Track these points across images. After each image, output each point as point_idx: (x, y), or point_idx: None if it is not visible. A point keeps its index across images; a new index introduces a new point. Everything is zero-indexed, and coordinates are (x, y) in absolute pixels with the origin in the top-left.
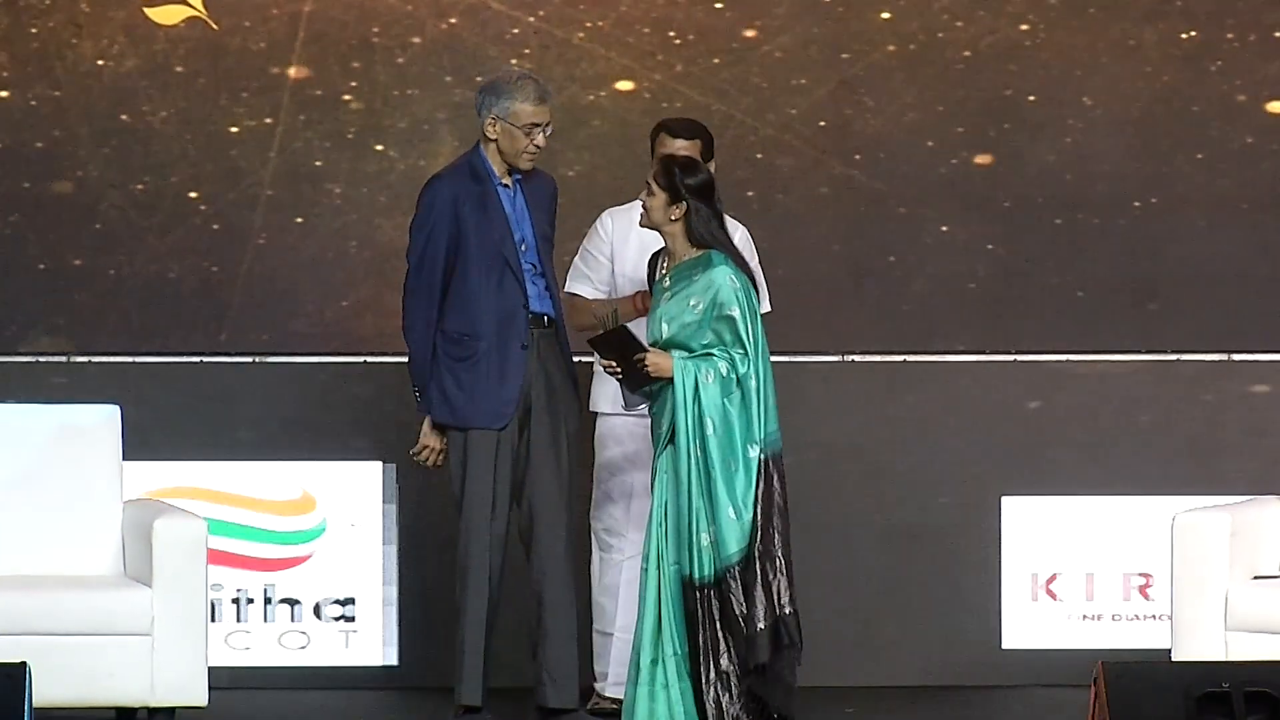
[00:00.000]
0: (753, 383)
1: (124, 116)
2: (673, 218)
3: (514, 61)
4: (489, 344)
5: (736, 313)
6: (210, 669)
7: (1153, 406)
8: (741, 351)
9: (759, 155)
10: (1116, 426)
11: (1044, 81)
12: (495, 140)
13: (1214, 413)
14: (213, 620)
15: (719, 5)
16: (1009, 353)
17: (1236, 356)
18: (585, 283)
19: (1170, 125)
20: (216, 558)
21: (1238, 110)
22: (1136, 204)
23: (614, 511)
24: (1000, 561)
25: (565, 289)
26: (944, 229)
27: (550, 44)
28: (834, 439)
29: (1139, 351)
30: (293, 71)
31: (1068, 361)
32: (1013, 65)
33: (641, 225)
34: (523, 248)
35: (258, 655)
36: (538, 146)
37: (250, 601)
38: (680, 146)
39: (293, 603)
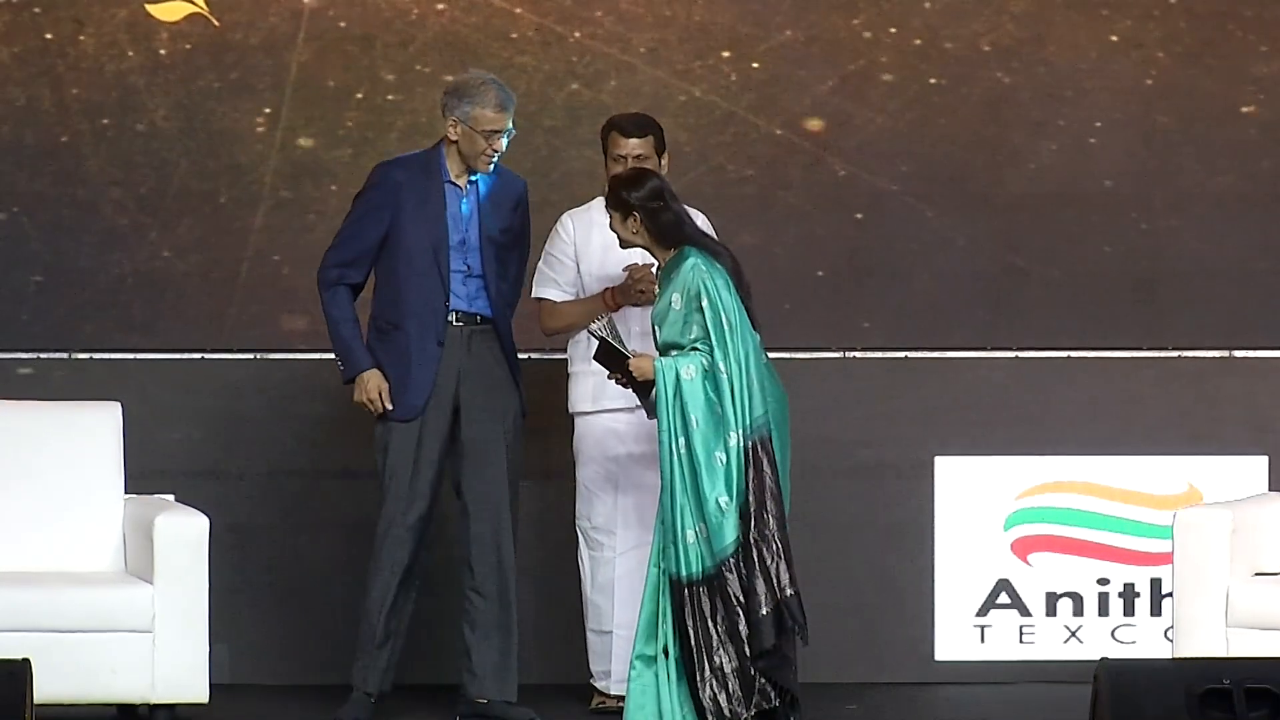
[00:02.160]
0: (722, 369)
1: (125, 113)
2: (633, 231)
3: (520, 59)
4: (408, 336)
5: (705, 302)
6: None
7: (1155, 403)
8: (716, 340)
9: (761, 152)
10: (1119, 423)
11: (1045, 78)
12: (456, 142)
13: (1216, 409)
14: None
15: (721, 2)
16: (1011, 349)
17: (1238, 353)
18: (552, 286)
19: (1171, 122)
20: (1096, 551)
21: (1239, 107)
22: (1138, 200)
23: (600, 509)
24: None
25: (533, 294)
26: (946, 225)
27: (551, 40)
28: (836, 435)
29: (1141, 348)
30: (294, 68)
31: (1069, 358)
32: (1014, 62)
33: (622, 247)
34: (463, 248)
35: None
36: (495, 151)
37: (1137, 595)
38: (632, 145)
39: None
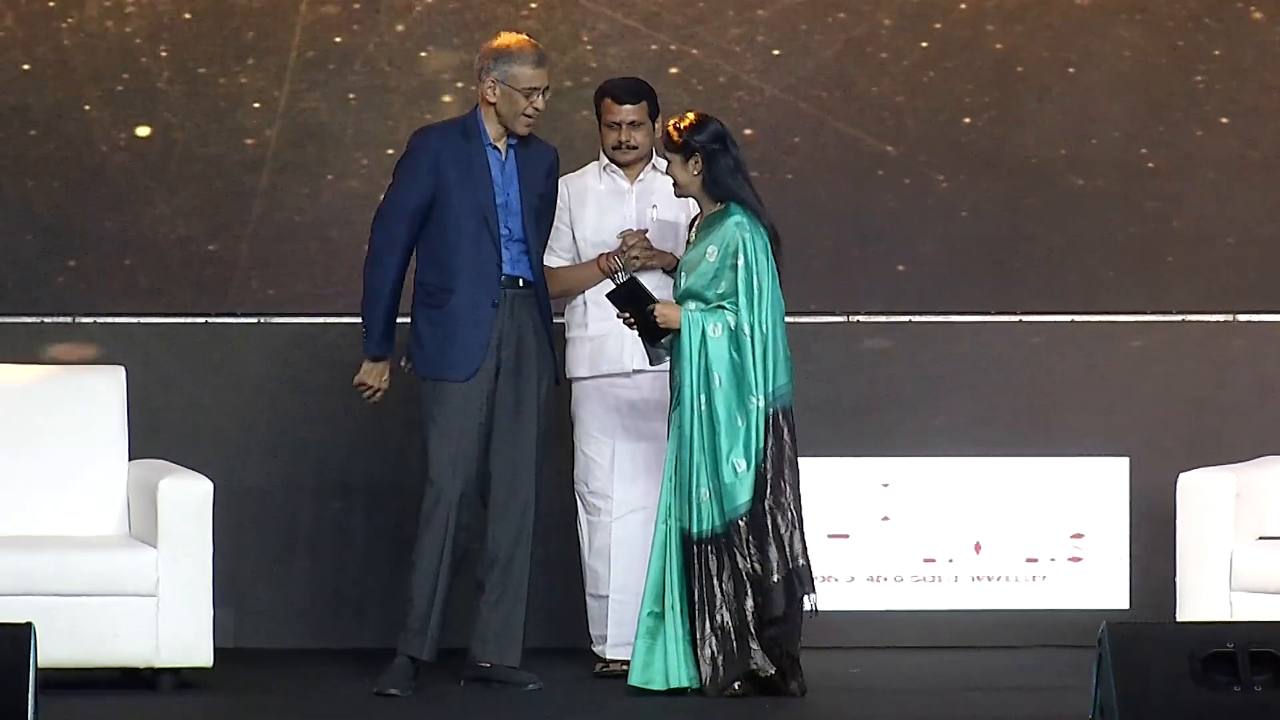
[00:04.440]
0: (746, 331)
1: (129, 76)
2: (694, 173)
3: (525, 23)
4: (460, 298)
5: (741, 261)
6: None
7: (1159, 367)
8: (745, 300)
9: (764, 116)
10: (1122, 387)
11: (1050, 42)
12: (494, 103)
13: (1219, 373)
14: None
15: None
16: (1015, 313)
17: (1242, 317)
18: (548, 252)
19: (1176, 85)
20: None
21: (1244, 71)
22: (1143, 164)
23: (597, 474)
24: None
25: None
26: (950, 190)
27: (556, 4)
28: (840, 399)
29: (1145, 312)
30: (298, 30)
31: (1073, 322)
32: (1019, 25)
33: (677, 195)
34: (505, 211)
35: None
36: (536, 110)
37: None
38: (626, 111)
39: None
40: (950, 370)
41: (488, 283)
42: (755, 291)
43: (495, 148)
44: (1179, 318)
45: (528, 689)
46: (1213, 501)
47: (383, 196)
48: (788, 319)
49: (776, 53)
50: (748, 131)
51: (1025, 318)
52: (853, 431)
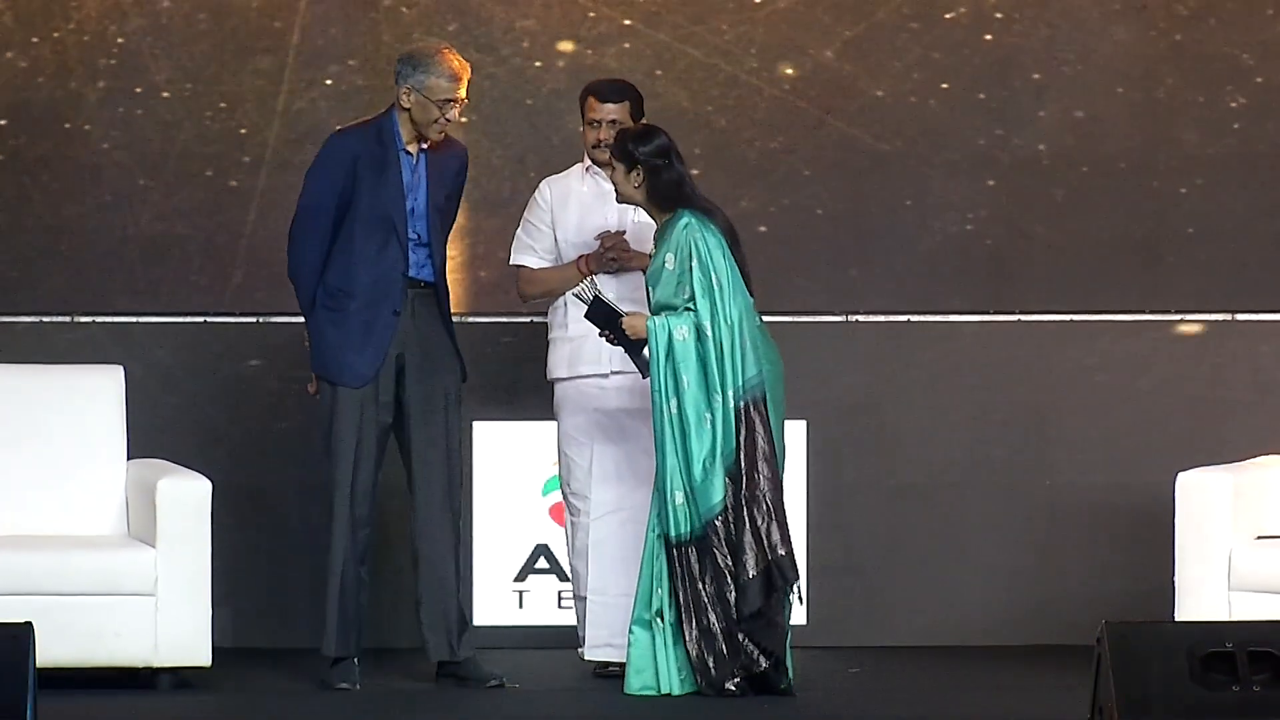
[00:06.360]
0: (708, 330)
1: (128, 76)
2: (635, 185)
3: (523, 22)
4: (361, 304)
5: (695, 263)
6: None
7: (1156, 366)
8: (704, 300)
9: (763, 115)
10: (1120, 386)
11: (1048, 41)
12: (409, 110)
13: (1218, 372)
14: None
15: None
16: (1013, 313)
17: (1240, 316)
18: (529, 253)
19: (1174, 84)
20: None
21: (1241, 69)
22: (1140, 164)
23: (578, 475)
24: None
25: (511, 261)
26: (948, 189)
27: (554, 3)
28: (839, 399)
29: (1143, 311)
30: (296, 30)
31: (1072, 321)
32: (1017, 25)
33: (619, 202)
34: (413, 216)
35: None
36: (448, 120)
37: None
38: (609, 110)
39: None
40: (949, 370)
41: (390, 290)
42: (714, 290)
43: (408, 151)
44: (1177, 317)
45: (491, 685)
46: (1211, 501)
47: (300, 200)
48: (785, 318)
49: (776, 52)
50: (747, 131)
51: (1024, 317)
52: (851, 432)
